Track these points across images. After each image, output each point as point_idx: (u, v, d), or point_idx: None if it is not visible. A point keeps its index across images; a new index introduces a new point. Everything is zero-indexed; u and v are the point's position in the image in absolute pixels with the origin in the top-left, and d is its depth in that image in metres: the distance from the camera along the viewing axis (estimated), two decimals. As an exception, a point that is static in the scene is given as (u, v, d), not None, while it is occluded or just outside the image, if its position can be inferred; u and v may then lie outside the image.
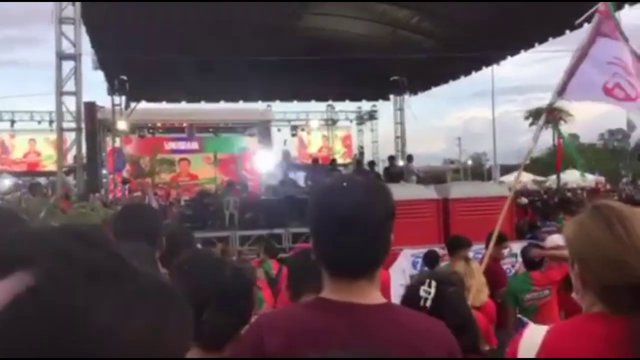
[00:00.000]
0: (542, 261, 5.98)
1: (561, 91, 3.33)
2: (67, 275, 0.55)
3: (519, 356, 1.49)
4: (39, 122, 25.09)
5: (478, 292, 4.84)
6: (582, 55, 3.20)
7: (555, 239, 6.84)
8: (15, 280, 0.54)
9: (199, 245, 8.42)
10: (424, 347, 1.43)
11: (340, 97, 23.64)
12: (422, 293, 2.11)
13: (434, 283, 2.13)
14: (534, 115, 48.54)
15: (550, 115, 3.68)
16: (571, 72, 3.25)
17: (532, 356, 1.46)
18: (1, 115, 25.25)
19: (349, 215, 1.47)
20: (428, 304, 2.08)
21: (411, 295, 2.15)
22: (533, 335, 1.51)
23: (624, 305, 1.42)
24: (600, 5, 3.20)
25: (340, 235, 1.48)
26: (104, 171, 19.16)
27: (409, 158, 18.18)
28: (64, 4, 9.98)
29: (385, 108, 24.73)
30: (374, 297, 1.51)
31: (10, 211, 2.44)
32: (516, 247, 8.16)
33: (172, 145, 28.39)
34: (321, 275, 1.58)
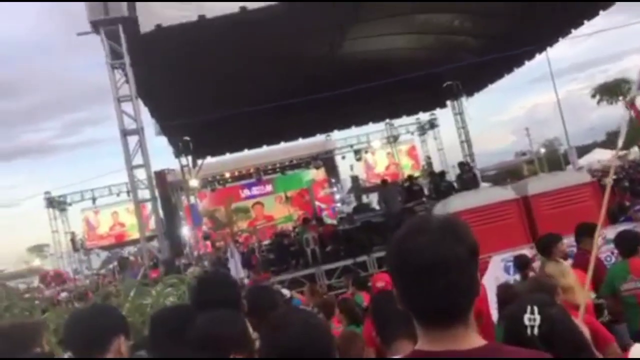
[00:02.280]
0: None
1: None
2: None
3: None
4: (118, 194, 26.26)
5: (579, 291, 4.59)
6: None
7: None
8: None
9: (286, 291, 8.46)
10: None
11: (396, 114, 23.45)
12: (526, 322, 2.01)
13: (536, 308, 2.03)
14: (601, 91, 46.48)
15: (633, 110, 3.43)
16: None
17: None
18: (83, 195, 26.64)
19: (429, 262, 1.42)
20: (536, 332, 1.98)
21: (515, 326, 2.06)
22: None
23: None
24: None
25: (423, 284, 1.43)
26: (184, 230, 19.77)
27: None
28: (119, 83, 10.48)
29: (444, 114, 24.38)
30: (473, 341, 1.45)
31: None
32: (610, 233, 7.76)
33: (245, 192, 29.05)
34: (410, 319, 1.54)
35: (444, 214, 1.56)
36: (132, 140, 10.61)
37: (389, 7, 13.35)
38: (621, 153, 31.50)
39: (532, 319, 2.00)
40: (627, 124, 3.64)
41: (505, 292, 4.60)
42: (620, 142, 3.57)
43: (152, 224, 18.35)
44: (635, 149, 29.86)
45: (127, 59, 10.12)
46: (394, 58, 16.42)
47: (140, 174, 11.09)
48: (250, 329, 2.38)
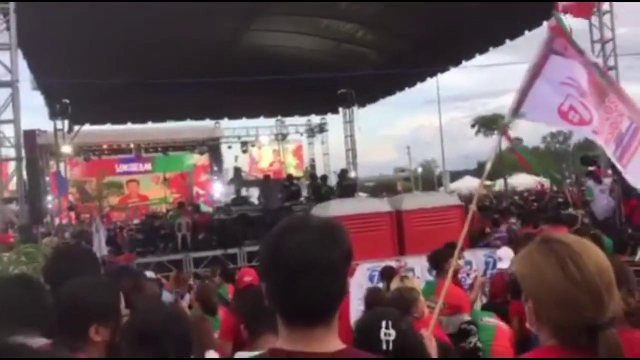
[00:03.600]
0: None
1: (516, 111, 3.28)
2: None
3: None
4: (-22, 150, 24.07)
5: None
6: (535, 74, 3.14)
7: (509, 253, 6.93)
8: None
9: (151, 274, 8.18)
10: None
11: (289, 113, 23.62)
12: (383, 337, 2.08)
13: (391, 323, 2.11)
14: (480, 122, 49.80)
15: (506, 137, 3.60)
16: (525, 92, 3.20)
17: None
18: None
19: (303, 262, 1.40)
20: (391, 347, 2.06)
21: (371, 338, 2.12)
22: None
23: (579, 344, 1.39)
24: (552, 21, 3.12)
25: (293, 283, 1.40)
26: (49, 198, 18.52)
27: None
28: (-1, 29, 9.61)
29: (335, 120, 24.85)
30: (332, 345, 1.45)
31: None
32: (469, 255, 8.26)
33: (121, 167, 27.78)
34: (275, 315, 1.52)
35: (324, 216, 1.55)
36: (4, 93, 9.83)
37: (296, 6, 13.38)
38: (488, 183, 33.88)
39: (388, 334, 2.07)
40: (497, 152, 3.85)
41: (375, 297, 4.80)
42: (488, 166, 3.75)
43: (12, 185, 17.03)
44: (501, 180, 32.14)
45: (12, 4, 9.32)
46: (294, 57, 16.47)
47: (8, 131, 10.34)
48: (123, 305, 2.23)
